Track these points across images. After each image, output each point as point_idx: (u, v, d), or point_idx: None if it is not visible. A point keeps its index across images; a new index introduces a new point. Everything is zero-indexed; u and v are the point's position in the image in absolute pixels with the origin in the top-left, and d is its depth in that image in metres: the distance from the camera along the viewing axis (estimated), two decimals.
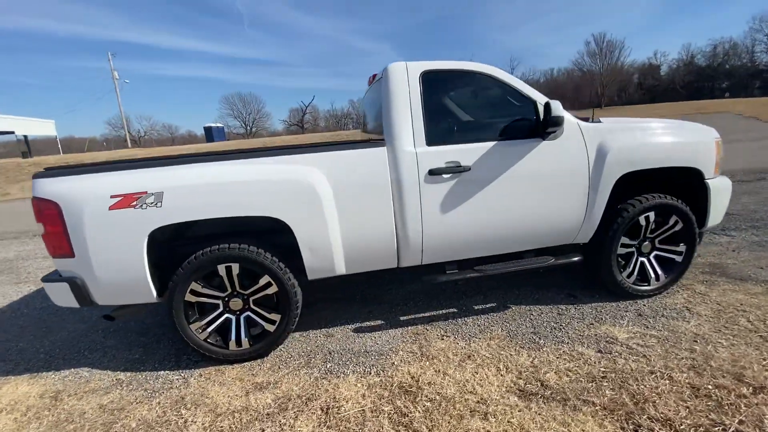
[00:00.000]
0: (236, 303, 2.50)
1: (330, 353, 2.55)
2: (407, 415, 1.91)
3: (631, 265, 2.92)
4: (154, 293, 2.35)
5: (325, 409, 2.01)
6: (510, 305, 3.00)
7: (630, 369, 2.13)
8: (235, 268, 2.40)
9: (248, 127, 58.02)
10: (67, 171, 2.26)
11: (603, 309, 2.83)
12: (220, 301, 2.48)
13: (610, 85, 53.68)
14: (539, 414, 1.85)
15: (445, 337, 2.62)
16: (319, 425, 1.90)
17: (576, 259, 2.83)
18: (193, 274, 2.36)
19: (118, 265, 2.26)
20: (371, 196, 2.45)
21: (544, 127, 2.43)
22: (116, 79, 32.26)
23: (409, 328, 2.80)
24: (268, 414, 2.02)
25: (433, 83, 2.59)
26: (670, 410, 1.79)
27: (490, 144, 2.55)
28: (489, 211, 2.59)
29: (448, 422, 1.84)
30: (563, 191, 2.67)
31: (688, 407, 1.81)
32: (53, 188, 2.20)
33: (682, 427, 1.70)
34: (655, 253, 2.97)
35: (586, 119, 2.81)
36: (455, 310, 3.00)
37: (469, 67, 2.65)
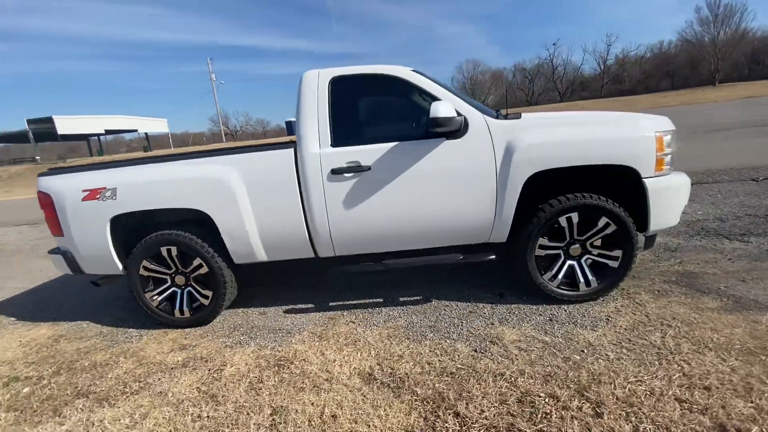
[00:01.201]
0: (180, 279, 3.04)
1: (252, 328, 2.96)
2: (262, 382, 2.24)
3: (556, 268, 2.79)
4: (120, 266, 2.99)
5: (211, 370, 2.43)
6: (433, 299, 3.09)
7: (484, 369, 2.15)
8: (174, 250, 2.93)
9: None
10: (59, 171, 2.99)
11: (518, 310, 2.78)
12: (167, 277, 3.05)
13: (727, 58, 44.78)
14: (364, 396, 2.03)
15: (350, 323, 2.85)
16: (198, 381, 2.33)
17: (489, 257, 2.81)
18: (143, 253, 2.94)
19: (91, 243, 2.94)
20: (281, 193, 2.77)
21: (431, 127, 2.47)
22: (213, 81, 36.77)
23: (329, 313, 3.07)
24: (171, 368, 2.51)
25: (341, 88, 2.78)
26: (477, 409, 1.83)
27: (391, 144, 2.67)
28: (390, 209, 2.73)
29: (288, 392, 2.12)
30: (469, 191, 2.67)
31: (499, 410, 1.82)
32: (48, 184, 2.94)
33: (475, 424, 1.74)
34: (587, 257, 2.79)
35: (518, 115, 2.75)
36: (381, 300, 3.19)
37: (377, 71, 2.78)
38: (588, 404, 1.79)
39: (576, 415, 1.73)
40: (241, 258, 2.93)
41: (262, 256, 2.92)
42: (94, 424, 2.05)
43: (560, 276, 2.79)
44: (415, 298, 3.16)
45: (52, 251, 3.14)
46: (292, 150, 2.76)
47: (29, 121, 29.18)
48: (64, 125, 29.08)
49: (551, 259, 2.81)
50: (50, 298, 4.13)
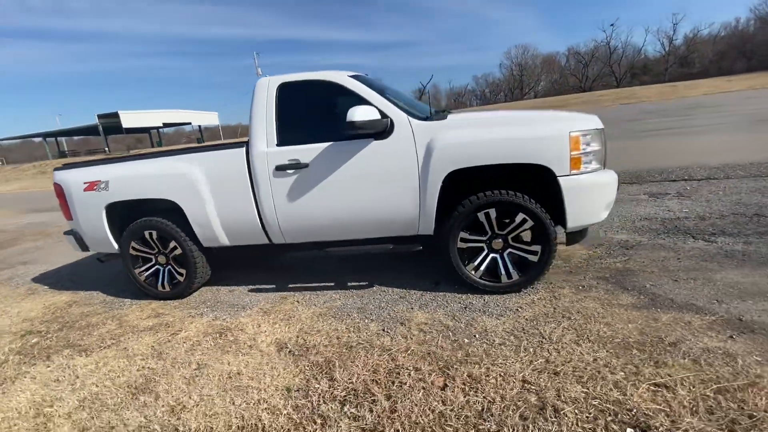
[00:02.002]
0: (162, 259, 3.59)
1: (217, 303, 3.44)
2: (200, 345, 2.69)
3: (479, 260, 2.97)
4: (115, 246, 3.60)
5: (168, 334, 2.93)
6: (376, 285, 3.38)
7: (379, 345, 2.44)
8: (155, 234, 3.47)
9: None
10: (69, 166, 3.63)
11: (442, 297, 3.00)
12: (152, 256, 3.60)
13: None
14: (270, 360, 2.40)
15: (295, 303, 3.23)
16: (155, 341, 2.84)
17: (417, 248, 3.05)
18: (131, 235, 3.51)
19: (92, 226, 3.56)
20: (236, 186, 3.19)
21: (348, 130, 2.73)
22: (259, 75, 38.46)
23: (284, 293, 3.47)
24: (141, 330, 3.04)
25: (287, 93, 3.12)
26: (348, 375, 2.14)
27: (327, 144, 2.98)
28: (326, 202, 3.04)
29: (215, 354, 2.56)
30: (395, 186, 2.91)
31: (366, 377, 2.11)
32: (60, 177, 3.59)
33: (339, 386, 2.05)
34: (509, 250, 2.93)
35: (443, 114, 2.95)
36: (332, 284, 3.53)
37: (317, 77, 3.09)
38: (441, 379, 2.03)
39: (424, 386, 1.98)
40: (208, 242, 3.41)
41: (225, 241, 3.38)
42: (69, 367, 2.62)
43: (482, 268, 2.96)
44: (362, 283, 3.46)
45: (67, 232, 3.82)
46: (244, 149, 3.16)
47: (99, 116, 32.93)
48: (128, 119, 32.35)
49: (475, 251, 2.98)
50: (80, 272, 4.93)
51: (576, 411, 1.72)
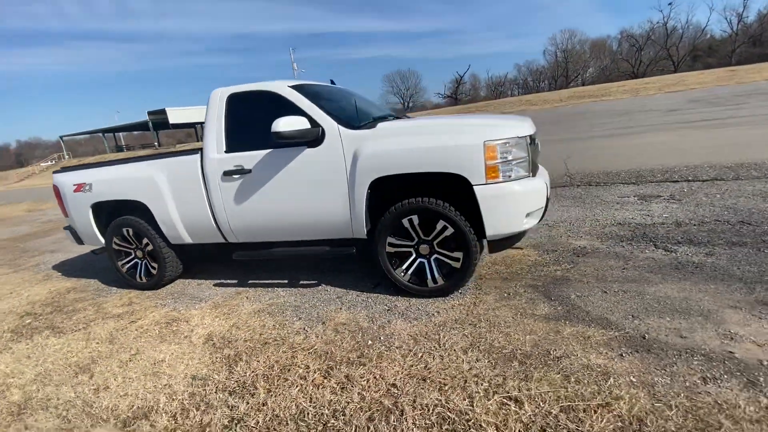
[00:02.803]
0: (139, 253, 3.99)
1: (182, 295, 3.78)
2: (147, 332, 3.02)
3: (407, 264, 3.05)
4: (102, 240, 4.05)
5: (128, 321, 3.30)
6: (323, 284, 3.56)
7: (290, 342, 2.62)
8: (131, 231, 3.86)
9: (406, 103, 61.36)
10: (64, 170, 4.11)
11: (373, 299, 3.11)
12: (131, 250, 4.02)
13: None
14: (193, 350, 2.67)
15: (245, 298, 3.49)
16: (114, 327, 3.21)
17: (350, 251, 3.18)
18: (113, 232, 3.94)
19: (81, 222, 4.03)
20: (192, 190, 3.48)
21: (274, 139, 2.89)
22: (295, 69, 39.56)
23: (242, 288, 3.75)
24: (110, 317, 3.45)
25: (236, 103, 3.35)
26: (249, 367, 2.34)
27: (267, 151, 3.17)
28: (266, 205, 3.25)
29: (154, 342, 2.87)
30: (327, 192, 3.05)
31: (261, 370, 2.31)
32: (57, 179, 4.09)
33: (236, 375, 2.26)
34: (435, 256, 2.99)
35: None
36: (285, 282, 3.75)
37: (260, 88, 3.28)
38: (321, 378, 2.18)
39: (302, 384, 2.14)
40: (174, 240, 3.75)
41: (187, 239, 3.70)
42: (41, 346, 3.05)
43: (410, 272, 3.04)
44: (311, 282, 3.66)
45: (65, 228, 4.34)
46: (199, 155, 3.43)
47: (149, 113, 35.63)
48: (175, 115, 34.67)
49: (405, 255, 3.06)
50: (90, 262, 5.53)
51: (418, 417, 1.80)
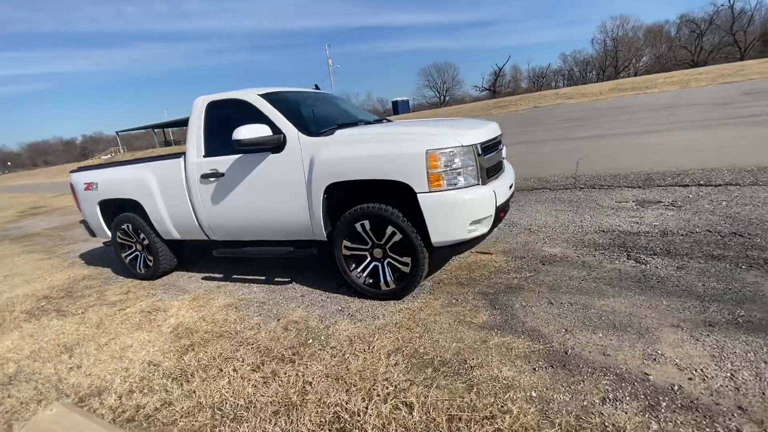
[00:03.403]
0: (139, 246, 4.38)
1: (172, 287, 4.13)
2: (129, 320, 3.35)
3: (362, 267, 3.15)
4: (109, 234, 4.49)
5: (119, 309, 3.67)
6: (295, 284, 3.73)
7: (241, 336, 2.82)
8: (130, 226, 4.26)
9: (442, 97, 60.44)
10: (80, 169, 4.59)
11: (333, 299, 3.25)
12: (132, 244, 4.42)
13: None
14: (158, 337, 2.95)
15: (222, 292, 3.76)
16: (105, 314, 3.59)
17: (312, 253, 3.33)
18: (116, 226, 4.36)
19: (92, 217, 4.49)
20: (176, 190, 3.78)
21: (235, 146, 3.08)
22: (330, 66, 40.26)
23: (224, 282, 4.02)
24: (106, 303, 3.84)
25: (214, 110, 3.59)
26: (196, 356, 2.56)
27: (237, 156, 3.38)
28: (237, 206, 3.47)
29: (131, 328, 3.19)
30: (288, 196, 3.22)
31: (207, 359, 2.52)
32: (72, 178, 4.57)
33: (184, 362, 2.49)
34: (388, 260, 3.07)
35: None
36: (263, 278, 3.98)
37: (233, 96, 3.49)
38: (249, 368, 2.36)
39: (231, 376, 2.33)
40: (165, 235, 4.09)
41: (176, 235, 4.02)
42: (45, 327, 3.48)
43: (364, 274, 3.15)
44: (284, 280, 3.86)
45: (81, 221, 4.84)
46: (182, 159, 3.72)
47: None
48: None
49: (361, 258, 3.17)
50: (109, 252, 6.09)
51: (315, 415, 1.93)
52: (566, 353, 2.18)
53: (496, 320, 2.60)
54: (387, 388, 2.06)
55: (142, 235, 4.22)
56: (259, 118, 3.32)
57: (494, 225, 3.00)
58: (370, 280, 3.14)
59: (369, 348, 2.46)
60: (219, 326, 3.04)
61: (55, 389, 2.49)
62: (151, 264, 4.30)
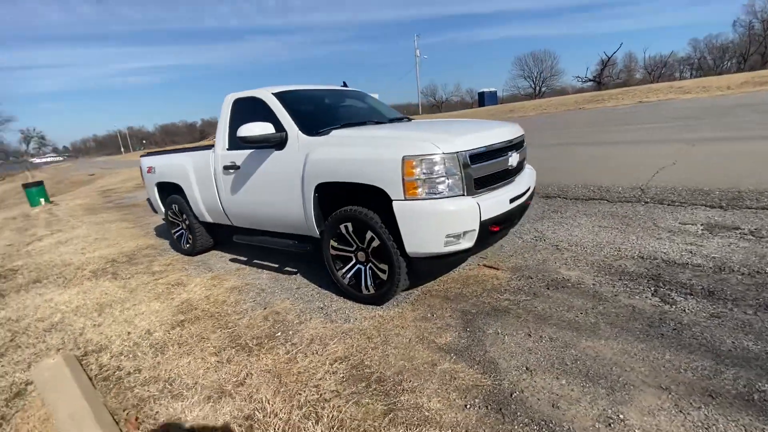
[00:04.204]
0: (184, 225, 4.95)
1: (202, 264, 4.58)
2: (155, 290, 3.82)
3: (347, 268, 3.15)
4: (164, 212, 5.17)
5: (155, 278, 4.20)
6: (299, 276, 3.88)
7: (226, 319, 3.04)
8: (176, 207, 4.82)
9: (537, 88, 56.24)
10: (147, 155, 5.32)
11: (322, 295, 3.31)
12: (179, 222, 5.01)
13: None
14: (165, 309, 3.31)
15: (237, 275, 4.07)
16: (144, 281, 4.14)
17: (306, 249, 3.42)
18: (167, 206, 4.98)
19: (153, 197, 5.19)
20: (206, 179, 4.17)
21: (240, 142, 3.26)
22: (417, 56, 39.93)
23: (244, 266, 4.34)
24: (149, 273, 4.43)
25: (237, 106, 3.85)
26: (186, 333, 2.83)
27: (250, 151, 3.60)
28: (249, 198, 3.71)
29: (152, 297, 3.63)
30: (287, 191, 3.33)
31: (182, 334, 2.77)
32: (141, 162, 5.32)
33: (174, 336, 2.78)
34: (369, 264, 3.01)
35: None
36: (277, 266, 4.21)
37: (251, 94, 3.70)
38: (211, 351, 2.53)
39: (193, 355, 2.52)
40: (200, 217, 4.55)
41: (208, 218, 4.45)
42: (97, 286, 4.16)
43: (348, 276, 3.14)
44: (293, 271, 4.03)
45: (147, 199, 5.62)
46: (212, 150, 4.08)
47: None
48: None
49: (347, 259, 3.16)
50: None
51: (235, 408, 2.01)
52: (511, 395, 1.93)
53: (459, 344, 2.40)
54: (312, 395, 2.06)
55: (184, 216, 4.76)
56: (270, 115, 3.48)
57: (484, 240, 2.75)
58: (353, 282, 3.13)
59: (322, 351, 2.47)
60: (216, 307, 3.31)
61: (73, 342, 2.97)
62: (191, 243, 4.84)
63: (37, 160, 77.62)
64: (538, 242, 3.96)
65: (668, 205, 4.65)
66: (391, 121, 4.01)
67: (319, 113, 3.64)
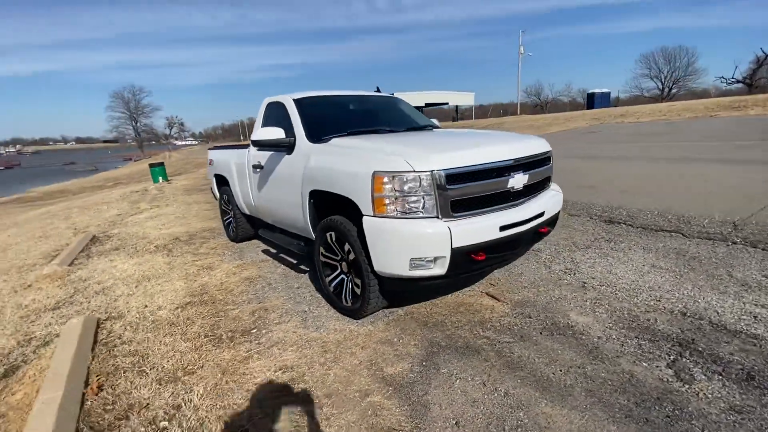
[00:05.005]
0: (232, 213, 5.47)
1: (238, 252, 5.00)
2: (189, 269, 4.30)
3: (333, 275, 3.15)
4: (218, 195, 5.77)
5: (197, 259, 4.73)
6: (306, 277, 4.01)
7: (223, 307, 3.28)
8: (226, 197, 5.34)
9: (667, 89, 48.64)
10: (212, 148, 5.99)
11: (314, 300, 3.38)
12: (229, 211, 5.54)
13: None
14: (184, 287, 3.70)
15: (257, 266, 4.36)
16: (186, 261, 4.69)
17: (305, 250, 3.51)
18: (219, 196, 5.55)
19: (213, 186, 5.83)
20: (243, 175, 4.53)
21: (252, 145, 3.44)
22: (521, 54, 37.39)
23: (268, 258, 4.62)
24: (193, 254, 5.00)
25: (269, 110, 4.10)
26: (183, 311, 3.15)
27: (270, 153, 3.82)
28: (267, 196, 3.93)
29: (182, 277, 4.10)
30: (292, 194, 3.44)
31: (185, 314, 3.07)
32: (209, 154, 6.01)
33: (179, 321, 3.12)
34: (351, 276, 2.97)
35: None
36: (295, 261, 4.41)
37: (278, 99, 3.90)
38: (186, 337, 2.76)
39: (179, 335, 2.78)
40: (241, 209, 4.97)
41: (246, 211, 4.85)
42: (150, 260, 4.83)
43: (333, 284, 3.14)
44: (305, 269, 4.16)
45: (211, 188, 6.32)
46: (248, 150, 4.42)
47: None
48: None
49: (334, 267, 3.16)
50: None
51: (170, 396, 2.16)
52: None
53: (405, 378, 2.24)
54: (238, 399, 2.12)
55: (230, 205, 5.25)
56: (287, 119, 3.64)
57: (465, 268, 2.52)
58: (337, 291, 3.12)
59: (278, 356, 2.53)
60: (222, 294, 3.60)
61: (105, 308, 3.51)
62: (234, 230, 5.33)
63: (177, 143, 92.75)
64: (565, 275, 3.46)
65: (762, 249, 3.66)
66: (411, 129, 3.87)
67: (328, 120, 3.68)
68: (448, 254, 2.38)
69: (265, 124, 4.11)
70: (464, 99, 41.00)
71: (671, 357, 2.25)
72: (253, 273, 4.10)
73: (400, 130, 3.78)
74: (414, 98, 40.98)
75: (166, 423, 1.98)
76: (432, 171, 2.36)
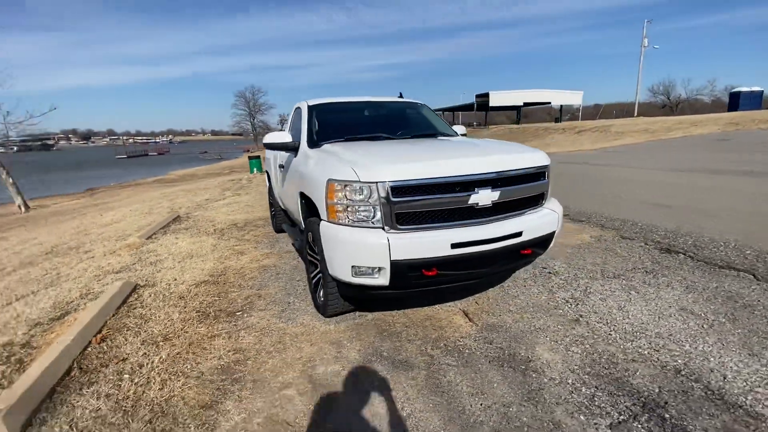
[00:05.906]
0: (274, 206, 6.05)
1: (276, 241, 5.52)
2: (223, 252, 4.93)
3: (313, 273, 3.33)
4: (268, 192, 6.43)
5: (238, 243, 5.37)
6: None
7: (225, 293, 3.72)
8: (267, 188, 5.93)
9: None
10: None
11: (303, 291, 3.64)
12: (273, 203, 6.13)
13: None
14: (212, 266, 4.28)
15: (280, 256, 4.77)
16: (228, 246, 5.36)
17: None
18: (269, 190, 6.17)
19: (266, 178, 6.50)
20: (274, 170, 5.00)
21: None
22: (644, 47, 32.45)
23: (290, 248, 5.05)
24: (239, 239, 5.68)
25: (296, 113, 4.46)
26: (198, 288, 3.68)
27: (287, 154, 4.16)
28: (283, 193, 4.30)
29: (214, 257, 4.71)
30: (295, 194, 3.73)
31: (197, 291, 3.59)
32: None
33: (193, 301, 3.68)
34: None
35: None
36: None
37: (299, 104, 4.21)
38: (184, 310, 3.22)
39: (175, 314, 3.27)
40: (277, 200, 5.49)
41: (280, 204, 5.34)
42: (204, 241, 5.62)
43: (314, 281, 3.32)
44: None
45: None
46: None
47: (476, 96, 40.42)
48: (495, 99, 37.51)
49: (316, 265, 3.34)
50: None
51: (147, 353, 2.59)
52: None
53: (327, 380, 2.32)
54: (185, 366, 2.45)
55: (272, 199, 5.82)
56: (300, 123, 3.93)
57: (413, 282, 2.50)
58: (315, 288, 3.30)
59: (238, 338, 2.82)
60: (235, 278, 4.07)
61: (147, 276, 4.24)
62: (276, 221, 5.89)
63: None
64: (564, 305, 3.12)
65: None
66: (419, 136, 3.84)
67: (330, 126, 3.84)
68: (387, 266, 2.38)
69: (291, 126, 4.47)
70: (570, 98, 37.39)
71: (621, 417, 1.92)
72: (271, 262, 4.52)
73: (406, 137, 3.79)
74: (512, 97, 38.76)
75: (127, 376, 2.40)
76: (377, 182, 2.38)
